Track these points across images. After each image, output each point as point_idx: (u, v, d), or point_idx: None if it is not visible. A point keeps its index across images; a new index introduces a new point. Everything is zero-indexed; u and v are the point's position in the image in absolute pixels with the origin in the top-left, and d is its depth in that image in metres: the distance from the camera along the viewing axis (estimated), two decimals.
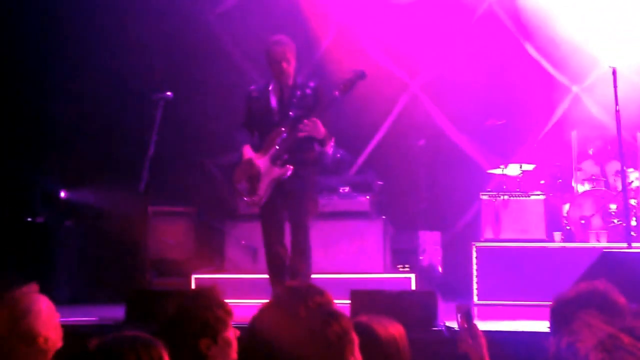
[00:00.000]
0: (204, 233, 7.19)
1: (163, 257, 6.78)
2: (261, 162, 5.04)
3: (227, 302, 2.53)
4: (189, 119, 7.52)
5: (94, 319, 4.99)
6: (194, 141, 7.68)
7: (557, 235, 6.72)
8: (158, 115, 5.08)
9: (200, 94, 7.66)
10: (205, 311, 2.43)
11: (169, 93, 5.20)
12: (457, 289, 6.67)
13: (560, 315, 2.61)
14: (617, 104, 5.26)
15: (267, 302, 2.22)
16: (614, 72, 5.28)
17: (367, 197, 6.88)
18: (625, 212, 5.43)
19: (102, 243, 6.99)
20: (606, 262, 4.51)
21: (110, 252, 6.90)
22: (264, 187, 5.05)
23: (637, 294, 3.93)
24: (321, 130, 4.94)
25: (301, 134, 4.93)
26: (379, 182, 7.22)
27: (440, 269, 7.33)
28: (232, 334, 2.48)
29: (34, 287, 2.69)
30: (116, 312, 4.93)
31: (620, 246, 5.53)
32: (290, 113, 5.03)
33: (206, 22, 7.97)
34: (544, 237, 6.58)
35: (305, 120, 4.90)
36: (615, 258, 4.56)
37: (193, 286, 6.41)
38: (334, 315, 2.12)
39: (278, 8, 7.73)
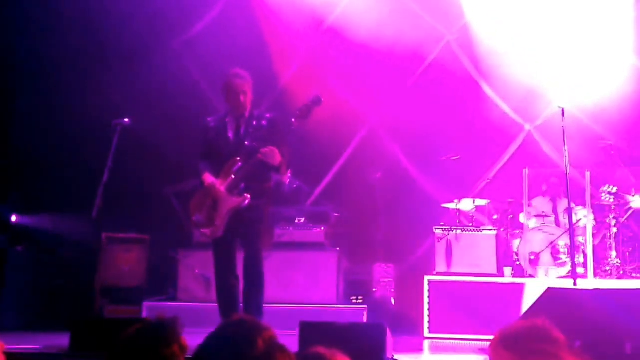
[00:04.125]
0: (158, 261, 7.12)
1: (115, 284, 6.70)
2: (220, 189, 5.05)
3: (183, 337, 2.50)
4: (148, 146, 7.50)
5: (37, 347, 4.88)
6: (151, 168, 7.64)
7: (508, 270, 6.84)
8: (114, 142, 5.06)
9: (159, 121, 7.65)
10: (163, 347, 2.38)
11: (126, 120, 5.19)
12: (410, 322, 6.73)
13: (500, 350, 2.66)
14: (565, 143, 5.42)
15: (214, 332, 2.23)
16: (563, 112, 5.45)
17: (323, 228, 6.93)
18: (572, 249, 5.56)
19: (54, 269, 6.87)
20: (551, 299, 4.60)
21: (61, 279, 6.78)
22: (221, 217, 5.03)
23: (581, 330, 4.05)
24: (277, 157, 4.98)
25: (259, 156, 4.95)
26: (335, 214, 7.28)
27: (393, 302, 7.38)
28: None
29: None
30: (64, 341, 4.84)
31: (567, 283, 5.66)
32: (246, 143, 5.07)
33: (169, 49, 8.01)
34: (494, 271, 6.70)
35: (263, 149, 4.93)
36: (560, 295, 4.65)
37: (144, 314, 6.34)
38: (281, 349, 2.15)
39: (243, 38, 7.83)
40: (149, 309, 6.47)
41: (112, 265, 6.73)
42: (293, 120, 4.98)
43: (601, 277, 6.68)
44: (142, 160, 7.48)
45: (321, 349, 2.41)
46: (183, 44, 8.16)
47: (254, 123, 5.10)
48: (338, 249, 6.88)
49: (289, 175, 5.66)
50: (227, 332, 2.17)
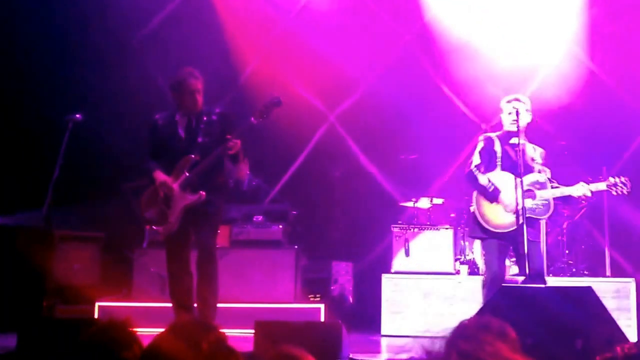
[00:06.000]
0: (112, 259, 7.00)
1: (68, 283, 6.55)
2: (173, 187, 5.00)
3: (138, 335, 2.48)
4: (104, 143, 7.36)
5: None
6: (107, 165, 7.51)
7: (464, 268, 6.91)
8: (66, 138, 4.95)
9: (113, 116, 7.51)
10: (124, 350, 2.35)
11: (78, 115, 5.08)
12: (368, 320, 6.75)
13: (453, 348, 2.66)
14: (519, 143, 5.47)
15: (165, 331, 2.22)
16: (517, 113, 5.51)
17: (281, 226, 6.90)
18: (524, 247, 5.60)
19: (3, 267, 6.68)
20: (504, 296, 4.65)
21: (10, 277, 6.60)
22: (175, 215, 5.00)
23: (533, 328, 4.11)
24: (238, 146, 4.95)
25: (231, 152, 4.90)
26: (294, 212, 7.27)
27: (351, 299, 7.40)
28: None
29: None
30: (11, 341, 4.71)
31: (520, 281, 5.73)
32: (199, 139, 5.04)
33: (125, 45, 7.87)
34: (451, 269, 6.76)
35: (231, 144, 4.87)
36: (513, 293, 4.71)
37: (96, 314, 6.22)
38: (228, 353, 2.15)
39: (202, 33, 7.74)
40: (102, 308, 6.35)
41: (64, 263, 6.59)
42: (252, 119, 4.97)
43: (554, 274, 6.79)
44: (97, 156, 7.34)
45: (292, 349, 2.41)
46: (140, 39, 8.02)
47: (205, 119, 5.08)
48: (296, 247, 6.86)
49: (248, 172, 5.64)
50: (171, 335, 2.15)
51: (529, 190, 5.08)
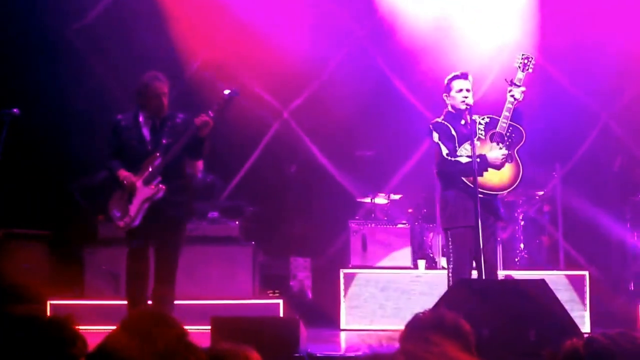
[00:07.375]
0: (61, 257, 6.84)
1: (16, 282, 6.38)
2: (136, 182, 4.98)
3: (81, 332, 2.42)
4: (45, 139, 7.16)
5: None
6: (50, 162, 7.31)
7: (422, 262, 6.95)
8: (3, 133, 4.79)
9: (56, 112, 7.31)
10: (69, 347, 2.30)
11: (15, 110, 4.92)
12: (327, 315, 6.75)
13: (408, 340, 2.66)
14: (472, 140, 5.43)
15: (120, 325, 2.18)
16: (470, 110, 5.53)
17: (237, 222, 6.85)
18: (480, 242, 5.63)
19: None
20: (461, 289, 4.71)
21: None
22: (135, 208, 4.98)
23: (488, 319, 4.17)
24: (208, 130, 4.91)
25: (203, 132, 4.88)
26: (250, 208, 7.23)
27: (310, 295, 7.39)
28: None
29: None
30: None
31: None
32: (163, 141, 5.05)
33: (62, 37, 7.65)
34: (409, 264, 6.81)
35: (199, 120, 4.83)
36: (469, 286, 4.78)
37: (48, 313, 6.08)
38: (189, 347, 2.11)
39: (144, 23, 7.59)
40: (55, 307, 6.21)
41: (10, 261, 6.43)
42: (211, 113, 4.95)
43: (511, 268, 6.89)
44: (39, 153, 7.14)
45: (232, 346, 2.38)
46: (77, 31, 7.78)
47: (169, 123, 5.09)
48: (253, 243, 6.81)
49: (202, 168, 5.62)
50: (123, 330, 2.10)
51: (494, 135, 4.99)
